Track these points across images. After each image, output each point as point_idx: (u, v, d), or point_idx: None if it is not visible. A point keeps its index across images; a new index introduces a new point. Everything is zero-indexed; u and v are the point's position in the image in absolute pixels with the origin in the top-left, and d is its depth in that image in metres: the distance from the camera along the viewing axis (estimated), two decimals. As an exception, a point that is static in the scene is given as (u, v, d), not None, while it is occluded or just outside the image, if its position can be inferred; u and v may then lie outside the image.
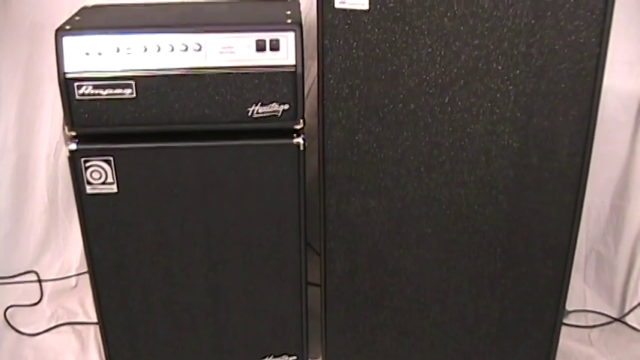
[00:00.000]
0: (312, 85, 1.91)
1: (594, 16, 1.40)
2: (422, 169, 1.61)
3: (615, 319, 2.19)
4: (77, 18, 1.71)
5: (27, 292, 2.28)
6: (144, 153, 1.66)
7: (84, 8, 1.83)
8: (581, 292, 2.23)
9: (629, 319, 2.18)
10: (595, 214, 2.18)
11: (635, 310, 2.17)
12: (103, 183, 1.68)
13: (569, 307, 2.11)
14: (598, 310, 2.21)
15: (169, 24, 1.64)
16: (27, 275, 2.33)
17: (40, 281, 2.30)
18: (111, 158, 1.65)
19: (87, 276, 1.81)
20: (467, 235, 1.66)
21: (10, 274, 2.32)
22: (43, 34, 2.05)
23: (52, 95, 2.16)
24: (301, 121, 1.65)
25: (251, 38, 1.59)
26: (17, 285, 2.29)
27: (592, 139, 1.51)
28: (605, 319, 2.19)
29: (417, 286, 1.75)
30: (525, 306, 1.72)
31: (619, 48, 1.80)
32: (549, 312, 1.71)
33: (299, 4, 1.81)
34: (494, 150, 1.55)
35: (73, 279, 2.31)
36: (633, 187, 2.12)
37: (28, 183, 2.29)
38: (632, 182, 2.11)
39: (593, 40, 1.42)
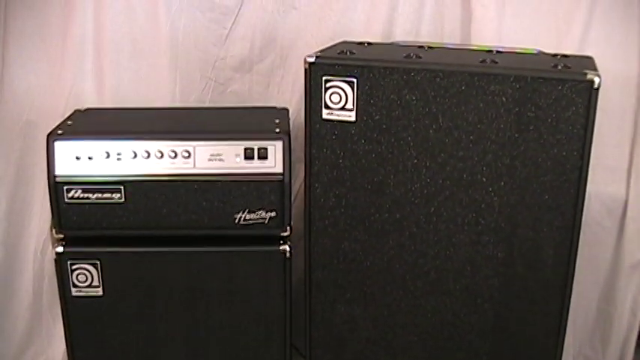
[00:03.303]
0: (299, 188, 1.93)
1: (575, 131, 1.43)
2: (407, 277, 1.62)
3: None
4: (69, 122, 1.74)
5: (7, 390, 2.23)
6: (131, 257, 1.67)
7: (77, 111, 1.86)
8: (570, 397, 2.20)
9: None
10: (582, 317, 2.16)
11: (625, 416, 2.14)
12: (89, 286, 1.67)
13: (558, 412, 2.07)
14: (587, 416, 2.17)
15: (159, 130, 1.67)
16: (7, 373, 2.28)
17: (21, 380, 2.26)
18: (98, 262, 1.65)
19: (69, 376, 1.78)
20: (452, 343, 1.65)
21: (-9, 372, 2.28)
22: (36, 132, 2.06)
23: (42, 191, 2.15)
24: (288, 228, 1.67)
25: (240, 147, 1.62)
26: (-3, 383, 2.25)
27: (576, 248, 1.52)
28: None
29: (403, 393, 1.73)
30: (513, 414, 1.70)
31: (601, 154, 1.83)
32: (538, 420, 1.69)
33: (287, 111, 1.84)
34: (480, 260, 1.56)
35: (55, 378, 2.26)
36: (619, 290, 2.11)
37: (14, 278, 2.25)
38: (618, 285, 2.10)
39: (575, 153, 1.44)
